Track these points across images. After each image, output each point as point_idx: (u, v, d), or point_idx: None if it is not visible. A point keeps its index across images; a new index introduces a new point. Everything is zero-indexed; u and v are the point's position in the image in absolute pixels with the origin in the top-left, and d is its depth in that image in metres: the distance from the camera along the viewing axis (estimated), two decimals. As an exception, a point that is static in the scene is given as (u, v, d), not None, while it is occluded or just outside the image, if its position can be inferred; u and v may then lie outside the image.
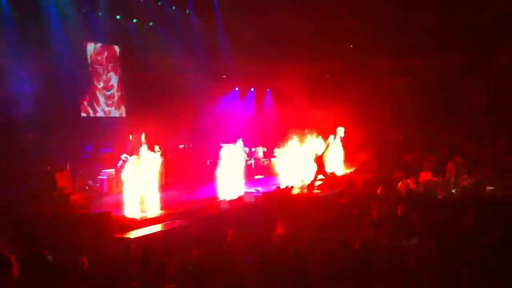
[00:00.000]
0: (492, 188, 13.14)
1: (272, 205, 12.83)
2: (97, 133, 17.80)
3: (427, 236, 8.34)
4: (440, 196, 12.43)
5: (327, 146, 18.24)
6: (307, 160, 18.23)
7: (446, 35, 20.36)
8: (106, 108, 19.27)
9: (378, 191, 12.96)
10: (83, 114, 18.43)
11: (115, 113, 19.63)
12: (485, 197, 12.21)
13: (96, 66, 18.93)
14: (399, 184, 13.42)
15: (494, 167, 15.49)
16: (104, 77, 19.27)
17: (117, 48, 19.61)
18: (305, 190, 16.61)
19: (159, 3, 19.50)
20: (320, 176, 17.40)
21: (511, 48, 19.43)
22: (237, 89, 24.28)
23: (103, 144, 17.45)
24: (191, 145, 20.75)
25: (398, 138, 21.98)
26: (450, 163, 15.50)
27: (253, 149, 21.22)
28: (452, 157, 16.42)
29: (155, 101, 19.42)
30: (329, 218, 10.13)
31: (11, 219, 10.92)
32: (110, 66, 19.45)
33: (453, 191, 13.40)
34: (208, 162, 18.99)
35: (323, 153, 17.75)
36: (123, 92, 19.92)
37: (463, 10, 19.59)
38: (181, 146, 20.43)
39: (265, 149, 21.73)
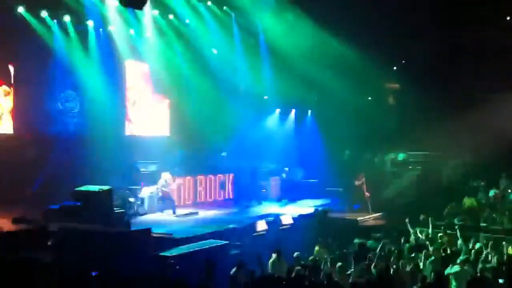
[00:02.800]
0: None
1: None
2: (140, 151, 18.03)
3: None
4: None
5: None
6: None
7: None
8: (147, 127, 19.51)
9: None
10: (127, 133, 18.76)
11: (157, 132, 19.88)
12: None
13: (134, 85, 19.15)
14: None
15: None
16: (142, 96, 19.54)
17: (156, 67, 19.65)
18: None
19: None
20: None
21: None
22: (278, 110, 24.29)
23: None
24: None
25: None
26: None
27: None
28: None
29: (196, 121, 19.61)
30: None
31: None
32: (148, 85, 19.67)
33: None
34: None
35: None
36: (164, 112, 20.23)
37: None
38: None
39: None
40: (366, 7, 18.68)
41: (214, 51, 20.62)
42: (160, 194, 16.18)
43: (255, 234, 13.84)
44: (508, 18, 19.96)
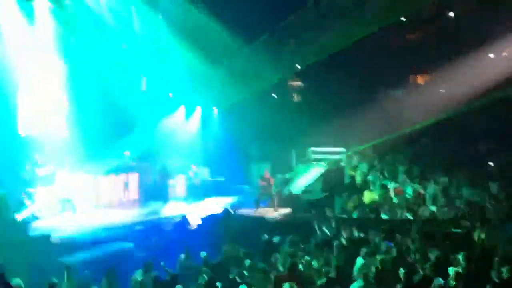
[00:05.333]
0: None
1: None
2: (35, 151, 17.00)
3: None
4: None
5: None
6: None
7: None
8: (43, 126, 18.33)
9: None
10: (21, 132, 17.57)
11: (54, 131, 18.74)
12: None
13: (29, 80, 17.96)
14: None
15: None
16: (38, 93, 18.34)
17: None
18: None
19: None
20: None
21: None
22: (183, 107, 23.98)
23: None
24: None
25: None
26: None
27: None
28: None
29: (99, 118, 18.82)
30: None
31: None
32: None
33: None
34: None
35: None
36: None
37: None
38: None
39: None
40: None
41: (124, 46, 19.94)
42: (59, 196, 15.43)
43: (161, 235, 13.54)
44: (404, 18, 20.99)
